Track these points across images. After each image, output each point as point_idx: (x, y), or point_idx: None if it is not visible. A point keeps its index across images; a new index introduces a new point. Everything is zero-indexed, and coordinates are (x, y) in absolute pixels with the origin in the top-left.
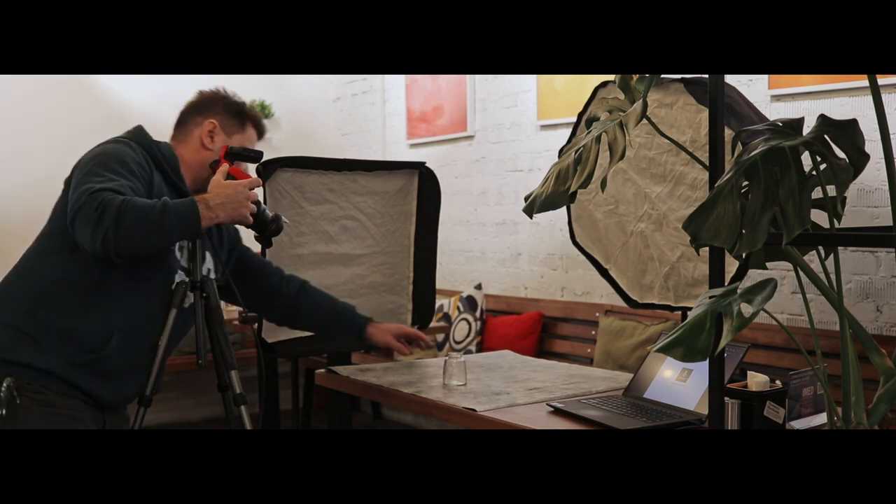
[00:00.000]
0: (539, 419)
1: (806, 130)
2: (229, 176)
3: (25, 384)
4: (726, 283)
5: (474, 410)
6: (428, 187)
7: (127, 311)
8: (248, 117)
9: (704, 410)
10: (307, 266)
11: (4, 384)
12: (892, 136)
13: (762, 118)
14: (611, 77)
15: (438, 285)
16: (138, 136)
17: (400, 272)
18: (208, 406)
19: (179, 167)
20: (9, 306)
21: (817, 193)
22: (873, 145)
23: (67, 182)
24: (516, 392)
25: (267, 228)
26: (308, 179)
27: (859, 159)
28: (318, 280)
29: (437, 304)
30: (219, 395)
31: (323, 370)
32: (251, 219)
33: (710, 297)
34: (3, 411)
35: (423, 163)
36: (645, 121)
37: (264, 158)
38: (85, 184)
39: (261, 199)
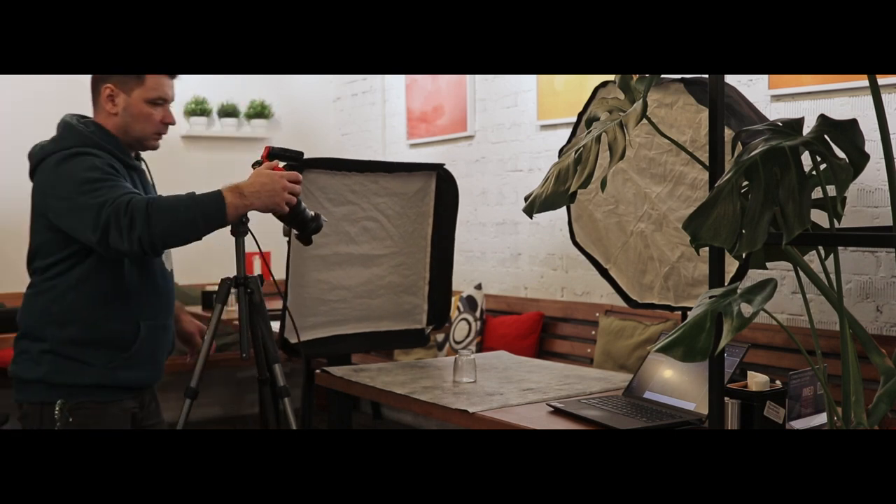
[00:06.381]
0: (539, 419)
1: (806, 130)
2: None
3: (74, 404)
4: (726, 283)
5: (466, 411)
6: (446, 188)
7: (143, 298)
8: None
9: (704, 410)
10: (329, 267)
11: (57, 407)
12: (892, 136)
13: (762, 118)
14: (611, 77)
15: None
16: (74, 134)
17: (416, 272)
18: (208, 406)
19: (120, 142)
20: (42, 334)
21: (817, 193)
22: (873, 145)
23: (38, 212)
24: (510, 393)
25: (307, 227)
26: (332, 181)
27: (859, 159)
28: (338, 281)
29: None
30: (218, 395)
31: (319, 370)
32: (286, 208)
33: (710, 297)
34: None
35: (442, 164)
36: (645, 121)
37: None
38: (90, 203)
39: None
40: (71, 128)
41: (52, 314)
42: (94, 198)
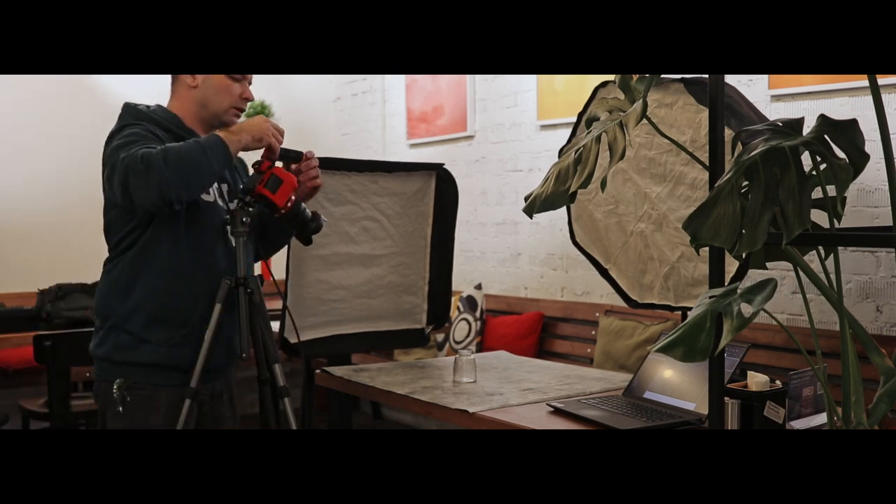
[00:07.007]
0: (539, 419)
1: (806, 130)
2: (273, 176)
3: (132, 382)
4: (726, 283)
5: (466, 411)
6: (445, 188)
7: (197, 276)
8: None
9: (704, 410)
10: (329, 267)
11: (116, 385)
12: (892, 136)
13: (762, 118)
14: (611, 77)
15: None
16: (130, 113)
17: (416, 272)
18: None
19: (182, 121)
20: (107, 312)
21: (817, 193)
22: (873, 145)
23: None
24: (510, 393)
25: (307, 227)
26: (331, 180)
27: (859, 159)
28: (338, 281)
29: None
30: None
31: (319, 370)
32: (273, 140)
33: (710, 297)
34: (120, 409)
35: (442, 164)
36: (645, 121)
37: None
38: (114, 162)
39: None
40: (126, 106)
41: (114, 293)
42: (119, 156)
